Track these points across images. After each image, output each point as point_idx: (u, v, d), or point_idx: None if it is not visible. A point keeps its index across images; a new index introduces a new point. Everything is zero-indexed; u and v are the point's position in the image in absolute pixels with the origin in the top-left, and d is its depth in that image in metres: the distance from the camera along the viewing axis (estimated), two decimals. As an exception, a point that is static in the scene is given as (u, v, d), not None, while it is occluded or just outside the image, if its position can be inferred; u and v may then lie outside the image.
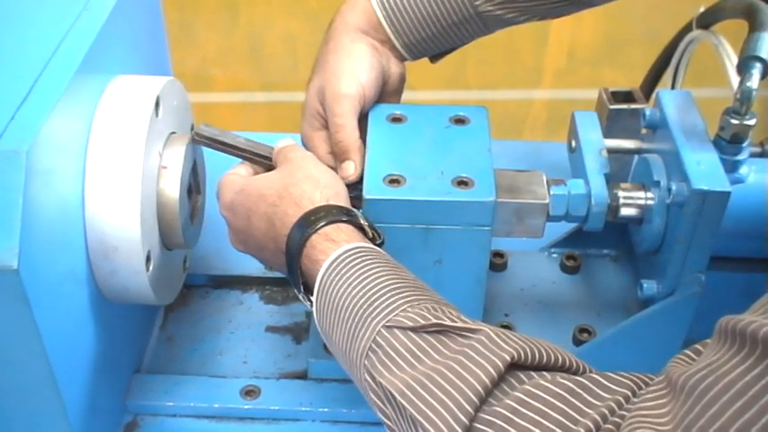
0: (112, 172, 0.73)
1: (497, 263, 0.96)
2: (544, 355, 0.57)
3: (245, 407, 0.87)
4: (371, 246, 0.68)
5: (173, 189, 0.79)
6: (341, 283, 0.64)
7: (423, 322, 0.59)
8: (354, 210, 0.72)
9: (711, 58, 0.94)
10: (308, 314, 0.97)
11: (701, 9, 0.97)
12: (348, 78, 0.81)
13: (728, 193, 0.75)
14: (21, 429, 0.73)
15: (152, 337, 0.95)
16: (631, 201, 0.82)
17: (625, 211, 0.82)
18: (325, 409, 0.86)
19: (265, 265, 0.85)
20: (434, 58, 0.91)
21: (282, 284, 1.00)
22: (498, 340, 0.57)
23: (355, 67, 0.82)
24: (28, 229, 0.61)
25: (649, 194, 0.82)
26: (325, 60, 0.83)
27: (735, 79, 0.83)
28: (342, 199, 0.73)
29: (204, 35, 2.17)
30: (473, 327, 0.58)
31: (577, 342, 0.87)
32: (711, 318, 0.86)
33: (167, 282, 0.84)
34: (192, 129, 0.90)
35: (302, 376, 0.90)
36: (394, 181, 0.77)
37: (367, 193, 0.76)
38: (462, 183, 0.77)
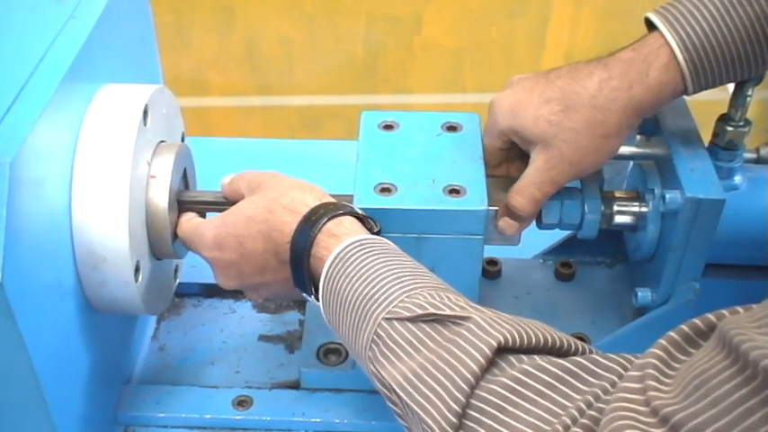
0: (100, 182, 0.72)
1: (491, 270, 0.95)
2: (533, 337, 0.57)
3: (237, 417, 0.86)
4: (371, 236, 0.69)
5: (162, 198, 0.78)
6: (343, 277, 0.65)
7: (419, 312, 0.60)
8: (349, 204, 0.73)
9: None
10: (301, 323, 0.97)
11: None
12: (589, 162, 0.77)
13: (723, 201, 0.74)
14: (8, 443, 0.72)
15: (143, 347, 0.94)
16: (625, 209, 0.82)
17: (619, 219, 0.82)
18: (318, 420, 0.86)
19: (261, 296, 0.80)
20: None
21: (275, 292, 0.99)
22: (486, 326, 0.58)
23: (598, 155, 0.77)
24: (12, 241, 0.60)
25: (643, 202, 0.81)
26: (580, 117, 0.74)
27: (730, 85, 0.82)
28: (329, 198, 0.74)
29: (199, 39, 2.16)
30: (464, 314, 0.59)
31: (572, 350, 0.86)
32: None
33: (158, 292, 0.83)
34: (183, 137, 0.89)
35: (295, 386, 0.89)
36: (385, 189, 0.77)
37: (358, 202, 0.75)
38: (454, 191, 0.76)
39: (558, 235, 0.94)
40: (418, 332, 0.60)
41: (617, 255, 0.95)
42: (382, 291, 0.63)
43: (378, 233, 0.72)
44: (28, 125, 0.64)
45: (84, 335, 0.76)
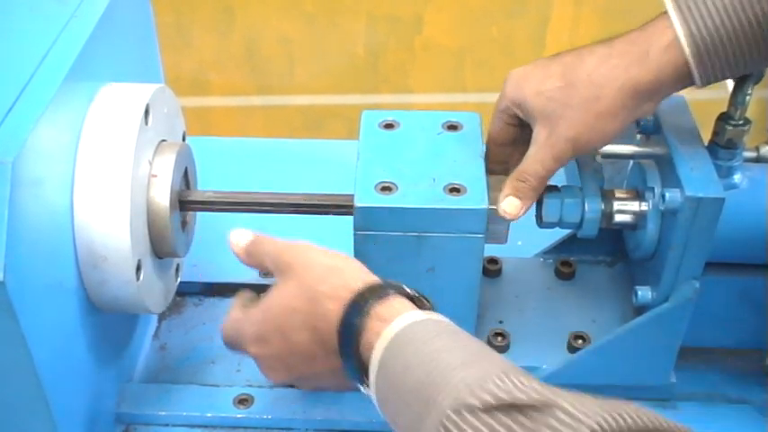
0: (101, 181, 0.72)
1: (492, 269, 0.95)
2: (630, 421, 0.50)
3: (238, 416, 0.86)
4: (424, 315, 0.64)
5: (163, 197, 0.78)
6: (399, 365, 0.60)
7: (493, 402, 0.53)
8: (393, 281, 0.68)
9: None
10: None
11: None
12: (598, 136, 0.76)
13: (722, 200, 0.74)
14: (9, 441, 0.73)
15: (144, 346, 0.94)
16: (625, 207, 0.82)
17: (619, 218, 0.82)
18: (319, 418, 0.86)
19: (312, 387, 0.76)
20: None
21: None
22: (576, 413, 0.50)
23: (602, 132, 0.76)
24: (14, 241, 0.61)
25: (643, 201, 0.82)
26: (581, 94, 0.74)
27: (729, 83, 0.83)
28: (371, 275, 0.68)
29: (200, 38, 2.16)
30: (547, 401, 0.52)
31: (572, 349, 0.87)
32: (707, 324, 0.86)
33: (159, 290, 0.83)
34: (184, 136, 0.90)
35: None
36: (386, 188, 0.77)
37: (358, 201, 0.75)
38: (454, 190, 0.77)
39: (559, 234, 0.94)
40: (494, 423, 0.52)
41: (617, 253, 0.95)
42: (446, 377, 0.56)
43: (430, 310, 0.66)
44: (29, 125, 0.64)
45: (85, 334, 0.77)
